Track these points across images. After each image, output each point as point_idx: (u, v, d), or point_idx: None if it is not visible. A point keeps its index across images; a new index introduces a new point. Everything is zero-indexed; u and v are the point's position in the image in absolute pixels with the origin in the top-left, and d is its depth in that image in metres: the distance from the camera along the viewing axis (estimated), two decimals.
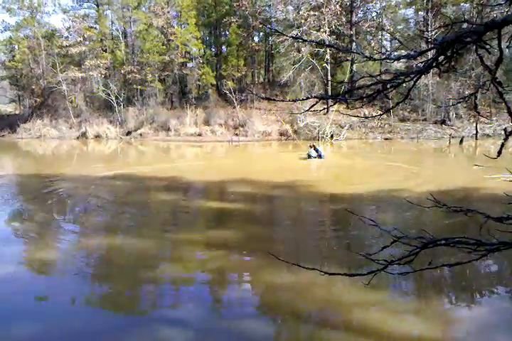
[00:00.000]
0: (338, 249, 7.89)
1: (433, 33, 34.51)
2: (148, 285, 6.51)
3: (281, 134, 33.46)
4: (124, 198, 12.89)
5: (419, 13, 40.98)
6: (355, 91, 38.87)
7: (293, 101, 3.72)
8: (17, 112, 48.15)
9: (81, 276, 6.76)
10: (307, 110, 4.42)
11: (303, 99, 3.70)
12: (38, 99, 42.80)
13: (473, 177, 14.09)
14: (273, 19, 38.12)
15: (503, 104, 2.62)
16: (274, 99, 3.82)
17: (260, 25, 37.95)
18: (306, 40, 4.68)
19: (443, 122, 32.91)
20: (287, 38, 34.22)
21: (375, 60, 3.06)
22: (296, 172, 17.79)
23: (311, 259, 7.24)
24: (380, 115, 4.68)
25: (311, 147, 21.87)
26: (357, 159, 22.13)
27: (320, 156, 21.07)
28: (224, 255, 7.58)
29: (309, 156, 21.15)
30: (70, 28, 42.98)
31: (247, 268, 7.12)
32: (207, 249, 7.99)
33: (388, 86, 3.38)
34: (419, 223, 9.27)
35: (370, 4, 40.90)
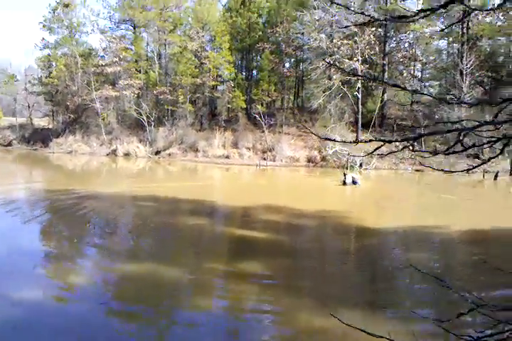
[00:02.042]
0: (366, 293, 7.56)
1: (468, 65, 34.41)
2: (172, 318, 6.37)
3: (308, 160, 33.33)
4: (151, 222, 12.64)
5: (454, 45, 40.85)
6: (386, 121, 39.08)
7: (355, 142, 3.60)
8: (50, 126, 49.23)
9: (103, 307, 6.62)
10: (371, 153, 4.30)
11: (367, 141, 3.63)
12: (72, 116, 43.81)
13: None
14: (306, 46, 38.46)
15: None
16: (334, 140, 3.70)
17: (293, 52, 38.47)
18: (340, 68, 4.48)
19: (476, 156, 32.26)
20: (319, 65, 34.56)
21: (412, 91, 2.87)
22: (330, 199, 17.61)
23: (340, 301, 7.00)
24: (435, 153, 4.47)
25: (345, 174, 22.03)
26: (391, 188, 21.82)
27: (354, 183, 21.10)
28: (252, 289, 7.40)
29: (344, 183, 21.21)
30: (106, 48, 44.24)
31: (278, 305, 6.84)
32: (235, 282, 7.81)
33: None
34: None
35: (404, 34, 41.10)
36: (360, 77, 39.98)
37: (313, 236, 11.96)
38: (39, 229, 11.56)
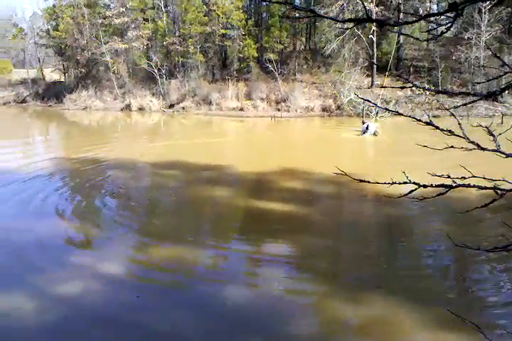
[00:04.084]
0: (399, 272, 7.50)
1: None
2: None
3: (323, 109, 33.00)
4: (167, 194, 12.74)
5: None
6: (402, 63, 37.91)
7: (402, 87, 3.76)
8: (62, 80, 48.99)
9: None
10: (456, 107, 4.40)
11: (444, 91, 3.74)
12: (83, 70, 43.44)
13: None
14: None
15: None
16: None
17: None
18: (348, 20, 4.46)
19: (495, 99, 31.49)
20: (332, 8, 33.15)
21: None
22: (350, 156, 17.59)
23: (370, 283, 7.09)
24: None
25: (363, 123, 22.16)
26: (410, 138, 21.76)
27: (374, 133, 21.30)
28: (279, 276, 7.33)
29: (364, 133, 21.35)
30: None
31: (306, 294, 6.85)
32: (261, 267, 7.83)
33: None
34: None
35: None
36: (374, 22, 37.65)
37: (337, 207, 11.43)
38: (61, 204, 11.62)
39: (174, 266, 7.79)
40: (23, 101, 46.17)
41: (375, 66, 35.13)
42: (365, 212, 10.94)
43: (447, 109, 3.91)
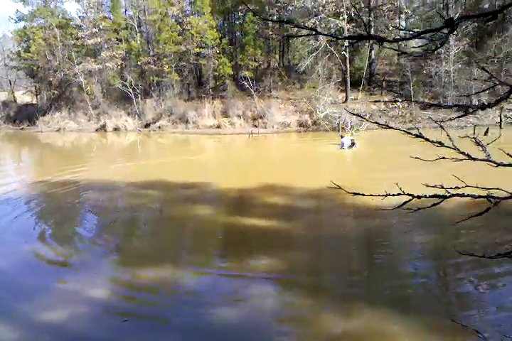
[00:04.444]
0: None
1: (452, 14, 33.64)
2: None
3: (300, 125, 33.20)
4: (149, 214, 12.63)
5: None
6: (374, 78, 38.63)
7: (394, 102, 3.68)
8: (34, 102, 48.23)
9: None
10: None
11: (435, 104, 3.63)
12: (56, 92, 42.90)
13: None
14: (290, 7, 37.25)
15: None
16: None
17: (277, 13, 37.37)
18: (326, 35, 4.48)
19: (466, 110, 32.19)
20: (303, 28, 33.62)
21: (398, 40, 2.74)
22: (329, 169, 17.77)
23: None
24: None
25: (342, 137, 22.54)
26: (389, 149, 22.02)
27: (352, 145, 22.12)
28: (264, 292, 7.31)
29: (342, 146, 22.07)
30: (84, 18, 42.71)
31: (297, 309, 6.77)
32: (245, 284, 7.69)
33: None
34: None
35: None
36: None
37: (319, 221, 11.41)
38: (37, 230, 11.28)
39: (158, 287, 7.63)
40: None
41: (348, 81, 35.64)
42: (347, 225, 10.92)
43: (436, 122, 3.87)
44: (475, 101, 32.53)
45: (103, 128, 37.35)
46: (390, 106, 33.86)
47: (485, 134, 25.62)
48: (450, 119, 4.19)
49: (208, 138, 32.06)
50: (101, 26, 41.29)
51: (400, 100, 32.31)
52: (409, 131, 3.71)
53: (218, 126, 34.50)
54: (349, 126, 29.36)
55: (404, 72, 34.76)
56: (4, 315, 6.66)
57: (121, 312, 6.79)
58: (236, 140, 31.18)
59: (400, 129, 3.93)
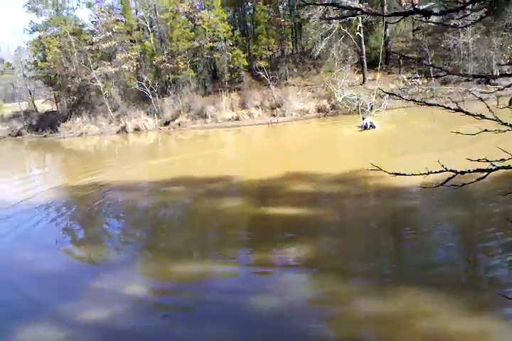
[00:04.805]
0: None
1: None
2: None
3: (318, 110, 32.76)
4: (178, 209, 12.68)
5: None
6: (391, 56, 37.69)
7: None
8: (54, 109, 49.16)
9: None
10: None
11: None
12: (75, 97, 43.59)
13: None
14: None
15: None
16: None
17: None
18: (342, 7, 4.26)
19: (487, 81, 31.12)
20: (316, 11, 33.05)
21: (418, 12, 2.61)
22: (352, 152, 17.42)
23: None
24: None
25: (363, 119, 22.85)
26: (408, 129, 21.56)
27: (373, 127, 21.79)
28: (302, 279, 7.31)
29: (364, 127, 21.98)
30: (97, 23, 43.19)
31: (331, 294, 6.70)
32: (282, 272, 7.66)
33: None
34: None
35: None
36: (363, 13, 37.82)
37: (346, 205, 11.17)
38: (66, 230, 11.62)
39: (191, 281, 7.70)
40: (18, 134, 46.29)
41: (365, 62, 34.91)
42: (375, 208, 10.75)
43: (480, 99, 3.67)
44: (496, 72, 31.40)
45: (124, 129, 37.75)
46: (409, 83, 32.99)
47: (510, 104, 24.65)
48: (499, 89, 4.10)
49: (227, 131, 32.00)
50: (114, 29, 41.64)
51: (418, 76, 31.32)
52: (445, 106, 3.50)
53: (237, 118, 34.39)
54: (369, 108, 28.80)
55: (421, 47, 33.81)
56: (49, 316, 6.81)
57: (159, 307, 6.92)
58: (256, 130, 31.01)
59: (437, 105, 3.70)
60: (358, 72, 35.19)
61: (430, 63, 31.76)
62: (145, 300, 7.12)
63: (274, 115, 33.42)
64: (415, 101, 3.62)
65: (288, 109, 33.05)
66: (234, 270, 8.02)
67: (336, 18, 36.61)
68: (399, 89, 31.69)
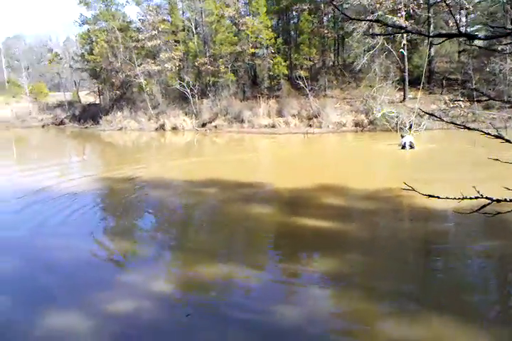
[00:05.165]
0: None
1: None
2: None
3: (356, 125, 32.90)
4: (207, 213, 12.87)
5: None
6: (434, 76, 37.61)
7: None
8: (97, 102, 50.55)
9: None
10: None
11: None
12: (118, 92, 44.76)
13: None
14: (346, 4, 36.88)
15: None
16: None
17: (333, 11, 37.13)
18: (386, 24, 4.22)
19: None
20: (361, 25, 33.23)
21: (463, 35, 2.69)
22: (389, 170, 17.52)
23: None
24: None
25: (402, 137, 22.53)
26: (448, 151, 21.49)
27: (411, 147, 21.70)
28: (324, 293, 7.34)
29: (403, 147, 21.76)
30: (144, 21, 44.21)
31: (353, 311, 6.71)
32: (305, 283, 7.70)
33: None
34: None
35: None
36: (407, 33, 37.78)
37: (375, 223, 11.05)
38: (101, 227, 11.86)
39: (215, 283, 7.79)
40: (61, 123, 47.75)
41: (407, 80, 34.91)
42: (405, 228, 10.74)
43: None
44: None
45: (162, 127, 38.60)
46: (451, 105, 32.86)
47: None
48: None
49: (262, 138, 32.43)
50: (160, 28, 42.52)
51: (461, 99, 31.17)
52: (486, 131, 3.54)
53: (273, 126, 34.78)
54: (408, 126, 28.80)
55: (466, 69, 33.64)
56: (73, 306, 6.95)
57: (183, 305, 7.05)
58: (291, 139, 31.35)
59: (477, 129, 3.62)
60: (399, 90, 35.17)
61: (474, 86, 31.68)
62: (169, 297, 7.28)
63: (310, 125, 33.69)
64: (455, 124, 3.62)
65: (325, 121, 33.28)
66: (258, 276, 8.08)
67: (379, 34, 36.67)
68: (440, 110, 31.51)
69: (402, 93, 35.15)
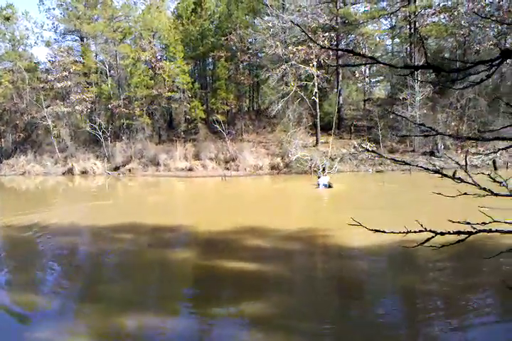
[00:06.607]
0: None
1: (417, 63, 35.29)
2: None
3: (272, 168, 33.29)
4: (127, 259, 11.95)
5: (403, 45, 42.22)
6: (343, 122, 39.71)
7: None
8: None
9: None
10: None
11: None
12: (22, 135, 41.98)
13: None
14: (261, 53, 38.36)
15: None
16: None
17: (248, 59, 38.37)
18: (386, 64, 4.22)
19: (431, 153, 33.25)
20: (276, 72, 34.58)
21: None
22: (310, 209, 17.52)
23: None
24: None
25: (319, 177, 23.98)
26: (363, 190, 22.23)
27: (330, 186, 22.71)
28: (250, 336, 6.97)
29: (319, 186, 22.89)
30: (54, 61, 42.62)
31: None
32: (230, 328, 7.29)
33: None
34: None
35: (353, 36, 42.24)
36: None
37: (298, 263, 11.05)
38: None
39: (131, 334, 7.19)
40: None
41: (318, 125, 36.37)
42: (330, 267, 10.54)
43: (458, 163, 3.90)
44: (440, 145, 33.67)
45: (70, 171, 36.39)
46: (359, 149, 34.53)
47: (453, 176, 26.24)
48: (487, 154, 4.41)
49: (179, 181, 31.56)
50: (71, 70, 41.18)
51: (370, 145, 32.81)
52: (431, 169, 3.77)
53: (190, 169, 34.17)
54: (321, 169, 29.64)
55: (372, 116, 35.84)
56: None
57: None
58: (209, 182, 30.83)
59: (419, 166, 4.17)
60: (312, 135, 36.47)
61: (379, 132, 33.72)
62: None
63: (227, 168, 33.55)
64: (396, 160, 4.07)
65: (242, 164, 33.35)
66: (174, 323, 7.62)
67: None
68: (350, 153, 33.00)
69: (315, 138, 36.43)
